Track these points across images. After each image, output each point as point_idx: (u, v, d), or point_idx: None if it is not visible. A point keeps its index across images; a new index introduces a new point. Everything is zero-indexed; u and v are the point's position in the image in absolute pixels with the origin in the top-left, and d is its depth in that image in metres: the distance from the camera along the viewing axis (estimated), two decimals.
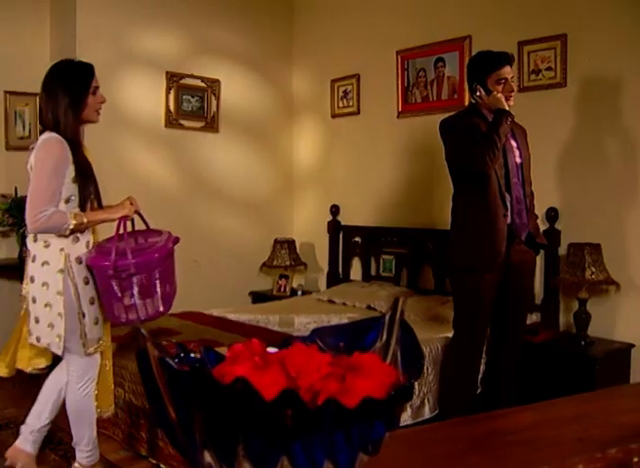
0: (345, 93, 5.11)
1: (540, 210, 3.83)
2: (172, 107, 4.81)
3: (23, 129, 4.60)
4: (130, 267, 2.49)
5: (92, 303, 2.65)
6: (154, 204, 4.81)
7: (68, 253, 2.58)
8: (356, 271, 5.12)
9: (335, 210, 5.21)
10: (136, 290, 2.53)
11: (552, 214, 3.84)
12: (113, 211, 2.67)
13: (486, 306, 3.03)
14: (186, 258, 4.99)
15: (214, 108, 5.04)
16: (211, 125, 5.04)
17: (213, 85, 5.01)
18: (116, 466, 3.08)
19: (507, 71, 2.97)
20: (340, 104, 5.16)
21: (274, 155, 5.51)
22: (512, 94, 3.00)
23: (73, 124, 2.60)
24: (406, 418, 3.17)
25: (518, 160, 3.08)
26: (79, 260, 2.60)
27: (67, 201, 2.57)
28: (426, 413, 3.26)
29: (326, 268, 5.31)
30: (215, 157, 5.10)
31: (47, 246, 2.58)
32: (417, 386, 3.24)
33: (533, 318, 3.91)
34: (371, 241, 4.95)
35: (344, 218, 5.20)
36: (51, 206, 2.49)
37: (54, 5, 4.66)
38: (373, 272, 4.98)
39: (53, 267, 2.57)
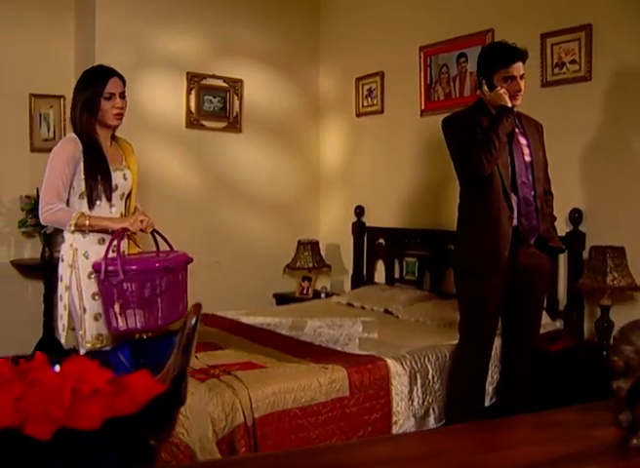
0: (370, 91, 4.99)
1: (563, 211, 3.64)
2: (193, 108, 4.79)
3: (48, 131, 4.68)
4: (118, 273, 2.49)
5: (94, 299, 2.69)
6: (176, 205, 4.82)
7: (76, 247, 2.70)
8: (381, 274, 5.00)
9: (359, 211, 5.10)
10: (128, 298, 2.53)
11: (576, 216, 3.62)
12: (118, 221, 2.73)
13: (491, 311, 2.86)
14: (208, 259, 4.99)
15: (236, 108, 5.01)
16: (233, 125, 5.01)
17: (235, 85, 4.98)
18: None
19: (517, 69, 2.78)
20: (365, 103, 5.05)
21: (300, 155, 5.44)
22: (519, 93, 2.81)
23: (88, 126, 2.72)
24: (409, 428, 3.04)
25: (528, 158, 2.89)
26: (86, 255, 2.68)
27: (81, 196, 2.69)
28: (431, 424, 3.12)
29: (351, 270, 5.21)
30: (238, 157, 5.07)
31: (64, 241, 2.76)
32: (421, 394, 3.11)
33: (556, 325, 3.71)
34: (394, 243, 4.82)
35: (369, 219, 5.08)
36: (57, 200, 2.62)
37: (78, 7, 4.72)
38: (397, 275, 4.84)
39: (65, 262, 2.72)
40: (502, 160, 2.79)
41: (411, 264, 4.69)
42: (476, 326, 2.89)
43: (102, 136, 2.76)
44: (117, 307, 2.53)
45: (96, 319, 2.69)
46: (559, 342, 3.35)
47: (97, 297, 2.67)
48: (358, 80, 5.07)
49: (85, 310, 2.68)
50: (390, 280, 4.85)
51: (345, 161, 5.34)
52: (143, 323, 2.57)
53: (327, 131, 5.49)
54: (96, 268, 2.58)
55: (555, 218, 3.07)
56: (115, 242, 2.57)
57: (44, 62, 4.65)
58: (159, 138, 4.71)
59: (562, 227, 3.65)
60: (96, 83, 2.71)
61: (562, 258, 3.73)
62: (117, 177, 2.76)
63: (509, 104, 2.76)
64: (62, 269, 2.72)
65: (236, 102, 5.00)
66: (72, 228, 2.62)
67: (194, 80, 4.78)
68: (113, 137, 2.86)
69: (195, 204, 4.90)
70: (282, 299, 5.17)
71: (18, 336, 4.56)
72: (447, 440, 0.81)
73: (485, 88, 2.83)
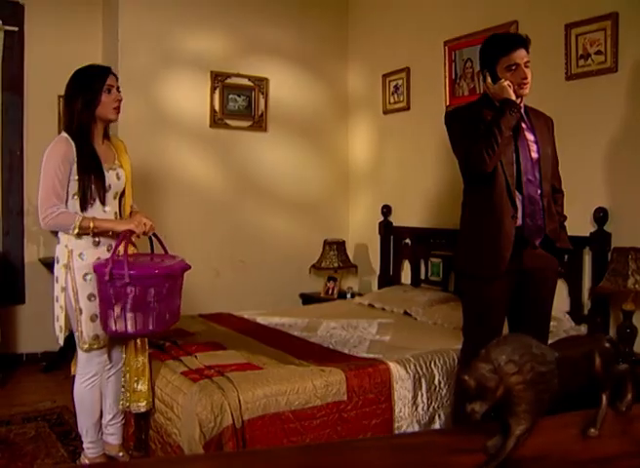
0: (396, 87, 4.88)
1: (587, 210, 3.48)
2: (217, 107, 4.80)
3: None
4: (125, 276, 2.50)
5: (90, 300, 2.70)
6: (201, 204, 4.83)
7: (72, 248, 2.69)
8: (407, 274, 4.89)
9: (386, 210, 5.00)
10: (129, 301, 2.55)
11: (601, 216, 3.43)
12: (122, 223, 2.72)
13: (494, 313, 2.70)
14: (233, 259, 5.00)
15: (262, 107, 4.98)
16: (259, 124, 4.98)
17: (260, 83, 4.95)
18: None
19: (519, 56, 2.64)
20: (392, 100, 4.94)
21: (328, 154, 5.38)
22: (526, 81, 2.66)
23: (87, 122, 2.70)
24: None
25: (535, 155, 2.72)
26: (81, 256, 2.68)
27: (75, 197, 2.67)
28: None
29: (378, 271, 5.11)
30: (263, 156, 5.04)
31: (59, 243, 2.75)
32: (426, 400, 3.00)
33: (581, 329, 3.53)
34: (420, 243, 4.70)
35: (396, 219, 4.98)
36: (58, 203, 2.61)
37: (105, 9, 4.79)
38: (422, 276, 4.72)
39: (60, 263, 2.72)
40: (507, 157, 2.65)
41: (435, 265, 4.57)
42: (479, 329, 2.75)
43: (96, 134, 2.75)
44: (117, 309, 2.55)
45: (92, 320, 2.70)
46: None
47: (92, 299, 2.69)
48: (385, 76, 4.98)
49: (81, 311, 2.69)
50: (416, 281, 4.74)
51: (373, 160, 5.25)
52: (141, 327, 2.58)
53: (355, 129, 5.41)
54: (98, 270, 2.57)
55: (565, 218, 2.88)
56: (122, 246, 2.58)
57: (72, 64, 4.67)
58: (183, 138, 4.73)
59: (586, 227, 3.48)
60: (95, 80, 2.71)
61: (587, 260, 3.55)
62: (110, 177, 2.74)
63: (513, 97, 2.61)
64: (58, 270, 2.72)
65: (261, 101, 4.98)
66: (76, 231, 2.61)
67: (218, 79, 4.78)
68: (106, 136, 2.84)
69: (220, 203, 4.90)
70: (308, 299, 5.13)
71: (47, 333, 4.65)
72: (272, 460, 0.73)
73: (489, 80, 2.70)
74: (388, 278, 4.99)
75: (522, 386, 0.80)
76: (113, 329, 2.59)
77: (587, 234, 3.47)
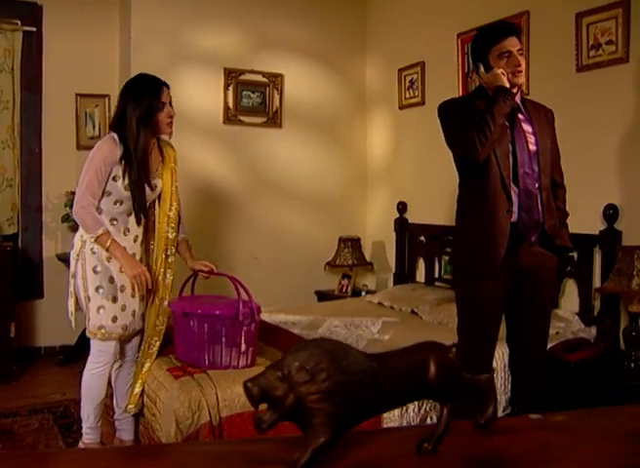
0: (411, 82, 4.79)
1: (596, 207, 3.34)
2: (230, 104, 4.79)
3: (93, 129, 4.84)
4: (255, 314, 2.86)
5: (97, 292, 2.76)
6: (215, 201, 4.84)
7: (85, 240, 2.77)
8: (422, 272, 4.79)
9: (402, 207, 4.92)
10: (243, 337, 2.82)
11: (611, 213, 3.28)
12: (129, 264, 2.72)
13: (488, 313, 2.58)
14: (248, 255, 4.99)
15: (276, 103, 4.96)
16: (273, 120, 4.96)
17: (275, 80, 4.93)
18: None
19: (511, 43, 2.54)
20: (407, 95, 4.85)
21: (344, 150, 5.31)
22: (519, 68, 2.55)
23: (146, 142, 2.74)
24: None
25: (532, 148, 2.60)
26: (93, 250, 2.74)
27: (104, 195, 2.74)
28: None
29: (394, 268, 5.03)
30: (277, 153, 5.02)
31: (77, 230, 2.85)
32: (416, 402, 2.92)
33: (591, 332, 3.39)
34: (434, 240, 4.60)
35: (412, 216, 4.89)
36: (92, 200, 2.68)
37: (121, 8, 4.84)
38: (436, 274, 4.62)
39: (74, 251, 2.81)
40: (502, 148, 2.54)
41: (448, 263, 4.46)
42: (472, 328, 2.64)
43: (149, 142, 2.78)
44: (244, 346, 2.82)
45: (97, 310, 2.76)
46: (580, 351, 3.05)
47: (100, 290, 2.75)
48: (400, 71, 4.89)
49: (89, 299, 2.75)
50: (430, 278, 4.64)
51: (389, 156, 5.17)
52: (251, 360, 2.87)
53: (372, 125, 5.33)
54: (225, 314, 2.79)
55: (567, 215, 2.74)
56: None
57: (89, 63, 4.79)
58: (197, 135, 4.74)
59: (596, 225, 3.34)
60: (150, 96, 2.71)
61: (597, 259, 3.41)
62: (146, 190, 2.80)
63: (507, 85, 2.51)
64: (72, 257, 2.80)
65: (276, 97, 4.95)
66: (92, 239, 2.69)
67: (232, 76, 4.78)
68: (157, 143, 2.87)
69: (234, 200, 4.90)
70: (323, 297, 5.09)
71: (65, 327, 4.73)
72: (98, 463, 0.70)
73: (482, 70, 2.60)
74: (404, 276, 4.91)
75: (316, 397, 0.74)
76: (243, 363, 2.83)
77: (597, 232, 3.33)
